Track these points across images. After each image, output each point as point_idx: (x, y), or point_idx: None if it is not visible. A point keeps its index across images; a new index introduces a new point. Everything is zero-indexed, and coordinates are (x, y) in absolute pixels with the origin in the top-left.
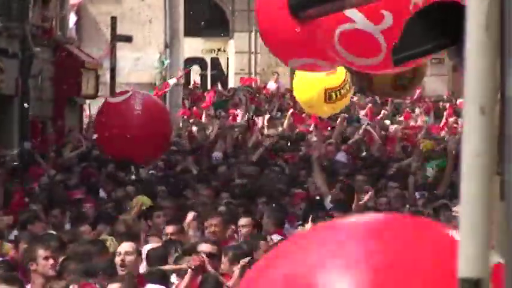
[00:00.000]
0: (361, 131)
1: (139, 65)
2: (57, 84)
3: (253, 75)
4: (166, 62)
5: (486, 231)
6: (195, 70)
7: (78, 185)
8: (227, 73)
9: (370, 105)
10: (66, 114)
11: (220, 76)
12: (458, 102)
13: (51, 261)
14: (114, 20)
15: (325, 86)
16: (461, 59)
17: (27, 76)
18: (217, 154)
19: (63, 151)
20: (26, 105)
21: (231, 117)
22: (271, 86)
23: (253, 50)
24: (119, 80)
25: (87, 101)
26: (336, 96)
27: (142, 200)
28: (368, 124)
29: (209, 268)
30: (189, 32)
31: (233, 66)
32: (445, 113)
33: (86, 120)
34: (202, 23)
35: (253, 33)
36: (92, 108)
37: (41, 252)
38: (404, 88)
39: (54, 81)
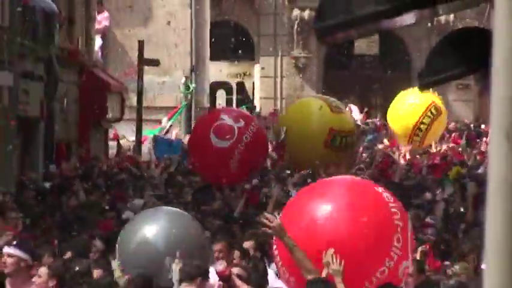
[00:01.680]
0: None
1: (164, 89)
2: (82, 107)
3: (278, 100)
4: (192, 86)
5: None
6: (221, 94)
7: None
8: (253, 97)
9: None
10: (91, 137)
11: (245, 100)
12: (483, 127)
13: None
14: (141, 43)
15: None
16: (488, 84)
17: (52, 99)
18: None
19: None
20: (55, 127)
21: None
22: None
23: (278, 74)
24: (145, 103)
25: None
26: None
27: None
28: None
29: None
30: (214, 56)
31: (258, 90)
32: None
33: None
34: (228, 47)
35: (278, 58)
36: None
37: None
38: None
39: (79, 104)
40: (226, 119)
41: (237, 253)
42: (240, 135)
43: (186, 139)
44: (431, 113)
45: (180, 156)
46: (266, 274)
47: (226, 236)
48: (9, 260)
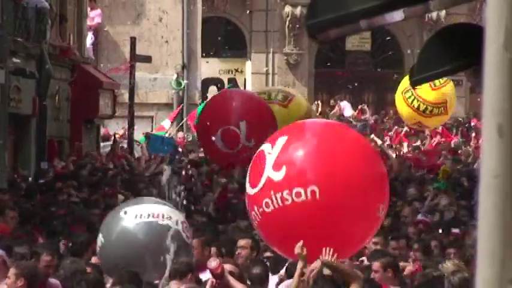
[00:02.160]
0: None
1: (156, 86)
2: (74, 104)
3: None
4: (184, 82)
5: (503, 253)
6: (212, 90)
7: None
8: None
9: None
10: (83, 135)
11: None
12: (472, 123)
13: None
14: (133, 40)
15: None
16: (480, 80)
17: (44, 96)
18: None
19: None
20: (47, 124)
21: None
22: None
23: (270, 70)
24: (136, 100)
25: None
26: None
27: None
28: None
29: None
30: (206, 53)
31: (250, 86)
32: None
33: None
34: (220, 43)
35: (270, 54)
36: (109, 128)
37: None
38: None
39: (71, 101)
40: (242, 129)
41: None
42: (243, 152)
43: (178, 135)
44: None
45: (172, 153)
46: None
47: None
48: None
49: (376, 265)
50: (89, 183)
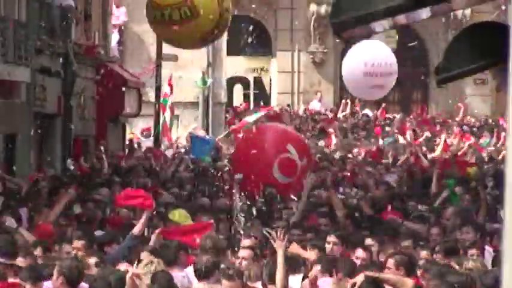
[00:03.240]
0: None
1: (181, 84)
2: (100, 103)
3: (295, 95)
4: (209, 81)
5: None
6: (238, 89)
7: None
8: (270, 92)
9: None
10: (108, 133)
11: (263, 95)
12: (501, 123)
13: None
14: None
15: None
16: (505, 78)
17: (70, 95)
18: None
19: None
20: (71, 126)
21: None
22: (315, 105)
23: (295, 69)
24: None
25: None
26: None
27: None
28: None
29: None
30: (231, 51)
31: (276, 85)
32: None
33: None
34: (245, 42)
35: (295, 53)
36: (133, 128)
37: None
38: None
39: (96, 100)
40: (293, 153)
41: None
42: (302, 173)
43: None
44: None
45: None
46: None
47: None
48: None
49: (390, 262)
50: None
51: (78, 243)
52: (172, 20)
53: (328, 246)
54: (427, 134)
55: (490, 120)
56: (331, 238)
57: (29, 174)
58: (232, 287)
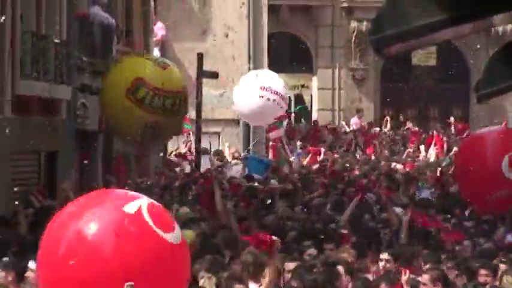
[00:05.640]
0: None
1: (222, 101)
2: None
3: (336, 111)
4: None
5: None
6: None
7: None
8: (311, 109)
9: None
10: (149, 151)
11: (303, 112)
12: None
13: None
14: (200, 56)
15: None
16: None
17: None
18: None
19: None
20: (114, 140)
21: None
22: (354, 121)
23: (336, 86)
24: (203, 116)
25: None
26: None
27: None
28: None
29: None
30: (272, 68)
31: (316, 102)
32: None
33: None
34: (286, 59)
35: (336, 70)
36: (174, 145)
37: None
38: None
39: None
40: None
41: None
42: None
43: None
44: None
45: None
46: None
47: None
48: None
49: (425, 278)
50: None
51: None
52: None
53: (381, 264)
54: None
55: None
56: (384, 256)
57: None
58: None
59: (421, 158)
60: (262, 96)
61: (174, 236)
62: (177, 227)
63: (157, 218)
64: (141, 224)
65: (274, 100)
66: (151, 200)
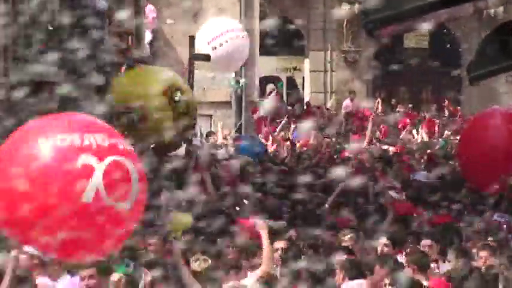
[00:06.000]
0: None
1: (215, 84)
2: None
3: (328, 94)
4: (242, 80)
5: None
6: (270, 88)
7: None
8: (303, 91)
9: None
10: None
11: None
12: None
13: None
14: (192, 39)
15: None
16: None
17: (103, 96)
18: None
19: None
20: None
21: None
22: (346, 103)
23: (328, 68)
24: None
25: None
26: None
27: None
28: None
29: None
30: (264, 51)
31: (308, 84)
32: None
33: None
34: (277, 41)
35: (328, 52)
36: None
37: None
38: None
39: None
40: None
41: None
42: None
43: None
44: None
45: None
46: None
47: None
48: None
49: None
50: None
51: None
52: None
53: (379, 248)
54: None
55: None
56: (383, 240)
57: None
58: None
59: (412, 140)
60: (215, 47)
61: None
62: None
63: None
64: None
65: (227, 41)
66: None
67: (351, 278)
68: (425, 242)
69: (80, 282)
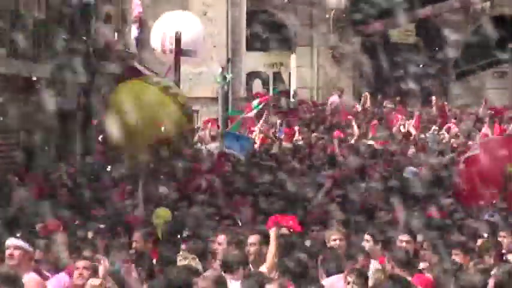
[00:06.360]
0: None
1: (201, 80)
2: None
3: (314, 90)
4: (229, 76)
5: None
6: (257, 84)
7: None
8: (289, 87)
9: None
10: None
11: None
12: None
13: None
14: (178, 34)
15: None
16: None
17: (90, 91)
18: None
19: None
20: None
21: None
22: (335, 99)
23: (315, 64)
24: None
25: None
26: None
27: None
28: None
29: None
30: (250, 47)
31: (295, 80)
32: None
33: None
34: (264, 37)
35: (315, 48)
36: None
37: None
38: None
39: None
40: None
41: None
42: None
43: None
44: None
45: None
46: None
47: None
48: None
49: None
50: None
51: None
52: None
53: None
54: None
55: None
56: (368, 236)
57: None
58: None
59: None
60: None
61: None
62: None
63: None
64: None
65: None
66: None
67: (330, 274)
68: (403, 237)
69: (70, 279)
